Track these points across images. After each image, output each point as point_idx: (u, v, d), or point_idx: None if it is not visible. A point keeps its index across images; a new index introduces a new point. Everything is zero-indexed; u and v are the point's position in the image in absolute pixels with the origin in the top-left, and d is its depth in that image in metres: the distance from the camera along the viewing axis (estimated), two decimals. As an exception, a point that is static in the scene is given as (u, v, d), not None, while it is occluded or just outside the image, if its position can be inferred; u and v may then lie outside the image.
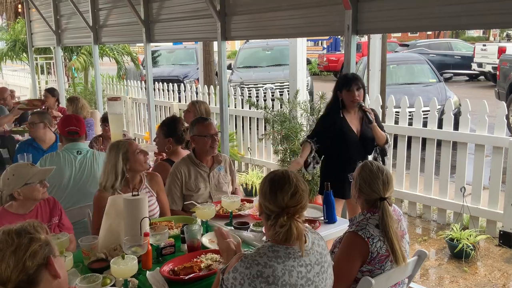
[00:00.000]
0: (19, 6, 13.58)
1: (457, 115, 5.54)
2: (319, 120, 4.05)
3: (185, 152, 3.90)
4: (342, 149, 3.74)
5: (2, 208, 2.82)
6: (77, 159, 3.68)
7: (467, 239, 4.44)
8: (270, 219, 1.96)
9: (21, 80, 15.69)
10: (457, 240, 4.47)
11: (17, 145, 4.69)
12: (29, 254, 1.52)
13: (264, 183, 2.03)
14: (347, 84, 3.66)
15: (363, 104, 3.66)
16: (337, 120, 3.70)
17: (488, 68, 16.76)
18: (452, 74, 18.03)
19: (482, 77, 18.24)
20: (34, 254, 1.53)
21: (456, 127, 5.17)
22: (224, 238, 2.24)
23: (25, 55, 12.25)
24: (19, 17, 13.69)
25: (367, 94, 6.71)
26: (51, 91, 6.56)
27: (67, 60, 12.15)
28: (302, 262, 1.93)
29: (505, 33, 33.63)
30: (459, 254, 4.41)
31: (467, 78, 18.95)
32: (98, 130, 5.92)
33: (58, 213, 2.99)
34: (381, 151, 3.79)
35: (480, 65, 17.25)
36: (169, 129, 3.95)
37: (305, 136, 3.93)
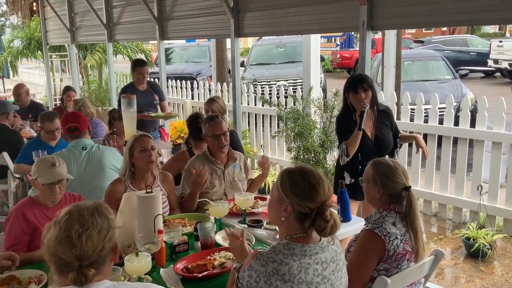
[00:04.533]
0: (34, 4, 13.71)
1: (473, 112, 5.45)
2: (338, 124, 3.74)
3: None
4: (357, 154, 3.54)
5: (30, 198, 2.93)
6: (82, 155, 3.70)
7: (484, 238, 4.37)
8: (308, 217, 1.90)
9: (36, 78, 15.87)
10: (473, 239, 4.40)
11: (24, 145, 4.69)
12: (108, 237, 1.61)
13: (295, 182, 1.95)
14: (353, 87, 3.49)
15: (365, 110, 3.39)
16: (351, 126, 3.47)
17: (504, 65, 16.54)
18: (468, 71, 17.80)
19: (498, 74, 17.99)
20: (110, 238, 1.62)
21: (472, 124, 5.09)
22: (237, 238, 2.23)
23: (40, 53, 12.37)
24: (34, 15, 13.82)
25: (381, 91, 6.68)
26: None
27: (82, 58, 12.25)
28: (318, 260, 1.91)
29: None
30: (475, 254, 4.34)
31: (483, 74, 18.69)
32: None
33: None
34: (390, 153, 3.63)
35: (496, 61, 17.02)
36: (189, 127, 4.12)
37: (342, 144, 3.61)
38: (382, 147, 3.59)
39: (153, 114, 5.50)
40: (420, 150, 3.70)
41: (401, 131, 3.84)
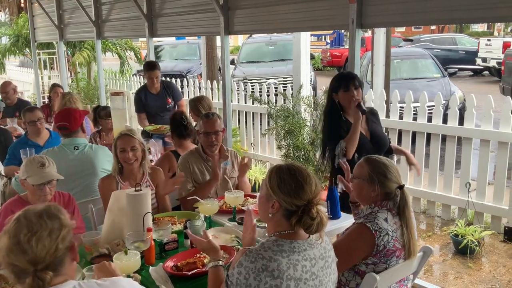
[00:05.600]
0: (22, 1, 13.55)
1: (462, 110, 5.49)
2: (324, 129, 3.53)
3: (191, 146, 3.92)
4: (354, 154, 3.29)
5: (18, 197, 2.91)
6: (74, 155, 3.66)
7: (472, 235, 4.41)
8: (295, 214, 1.90)
9: (24, 75, 15.71)
10: (461, 236, 4.44)
11: (11, 145, 4.53)
12: (61, 237, 1.60)
13: (282, 179, 1.94)
14: (345, 84, 3.30)
15: (362, 105, 3.29)
16: (342, 125, 3.32)
17: (492, 63, 16.69)
18: (456, 69, 17.95)
19: (486, 72, 18.14)
20: (64, 238, 1.60)
21: (461, 122, 5.13)
22: (202, 241, 2.20)
23: (28, 50, 12.24)
24: (22, 12, 13.67)
25: (371, 90, 6.71)
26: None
27: (70, 55, 12.14)
28: (307, 256, 1.92)
29: (509, 28, 33.46)
30: (463, 250, 4.38)
31: (471, 73, 18.85)
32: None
33: (71, 210, 2.96)
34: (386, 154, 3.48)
35: (484, 60, 17.17)
36: (172, 125, 4.06)
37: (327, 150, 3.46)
38: (379, 144, 3.42)
39: (145, 128, 5.38)
40: (413, 167, 3.56)
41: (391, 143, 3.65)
